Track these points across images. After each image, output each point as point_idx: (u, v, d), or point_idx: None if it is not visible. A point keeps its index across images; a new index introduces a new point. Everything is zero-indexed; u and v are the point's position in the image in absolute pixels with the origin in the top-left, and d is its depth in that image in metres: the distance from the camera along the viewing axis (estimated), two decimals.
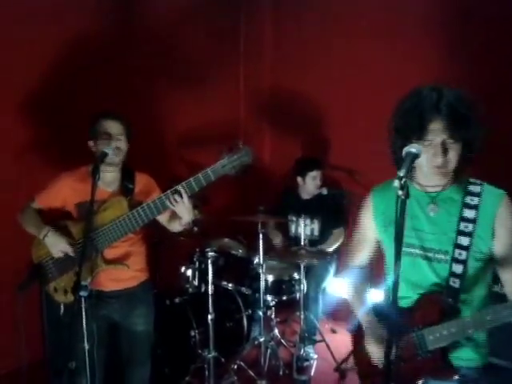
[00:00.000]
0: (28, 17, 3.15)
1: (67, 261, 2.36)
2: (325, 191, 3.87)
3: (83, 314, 2.20)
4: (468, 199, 1.60)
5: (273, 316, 3.70)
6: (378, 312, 1.82)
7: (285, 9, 4.68)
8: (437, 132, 1.52)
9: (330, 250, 3.80)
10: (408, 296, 1.72)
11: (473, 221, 1.57)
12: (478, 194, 1.60)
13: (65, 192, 2.43)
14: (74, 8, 3.38)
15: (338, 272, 3.88)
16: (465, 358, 1.65)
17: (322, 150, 4.46)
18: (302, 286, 3.44)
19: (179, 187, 2.20)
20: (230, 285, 3.66)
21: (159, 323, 2.82)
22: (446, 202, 1.65)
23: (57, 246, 2.33)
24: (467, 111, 1.52)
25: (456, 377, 1.60)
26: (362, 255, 1.92)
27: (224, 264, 3.62)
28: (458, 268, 1.58)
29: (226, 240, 3.85)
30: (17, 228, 2.45)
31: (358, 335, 1.91)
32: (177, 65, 4.08)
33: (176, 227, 2.54)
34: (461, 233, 1.58)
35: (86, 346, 2.23)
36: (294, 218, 3.99)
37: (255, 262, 3.55)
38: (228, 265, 3.67)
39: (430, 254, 1.64)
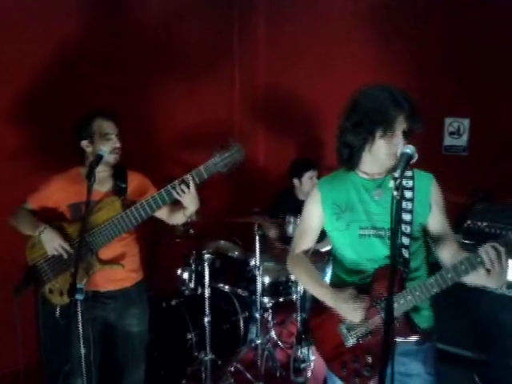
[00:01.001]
0: (24, 18, 3.15)
1: (62, 262, 2.35)
2: None
3: (79, 317, 2.19)
4: (404, 182, 1.75)
5: (270, 318, 3.69)
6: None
7: (279, 9, 4.67)
8: (401, 124, 1.71)
9: (325, 250, 3.79)
10: (368, 272, 1.84)
11: (411, 200, 1.77)
12: (411, 178, 1.79)
13: (57, 194, 2.43)
14: (73, 6, 3.38)
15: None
16: (420, 321, 1.80)
17: (317, 151, 4.45)
18: (298, 287, 3.44)
19: (186, 177, 2.19)
20: (227, 287, 3.64)
21: (155, 325, 2.81)
22: (389, 186, 1.78)
23: (53, 241, 2.31)
24: (416, 106, 1.73)
25: (416, 337, 1.77)
26: (306, 243, 2.06)
27: (220, 266, 3.60)
28: (406, 240, 1.77)
29: (222, 242, 3.83)
30: (14, 230, 2.43)
31: (317, 318, 1.96)
32: (171, 65, 4.07)
33: (179, 218, 2.51)
34: (403, 210, 1.75)
35: (83, 350, 2.22)
36: (291, 219, 3.98)
37: (251, 263, 3.54)
38: (224, 267, 3.65)
39: (382, 233, 1.80)
